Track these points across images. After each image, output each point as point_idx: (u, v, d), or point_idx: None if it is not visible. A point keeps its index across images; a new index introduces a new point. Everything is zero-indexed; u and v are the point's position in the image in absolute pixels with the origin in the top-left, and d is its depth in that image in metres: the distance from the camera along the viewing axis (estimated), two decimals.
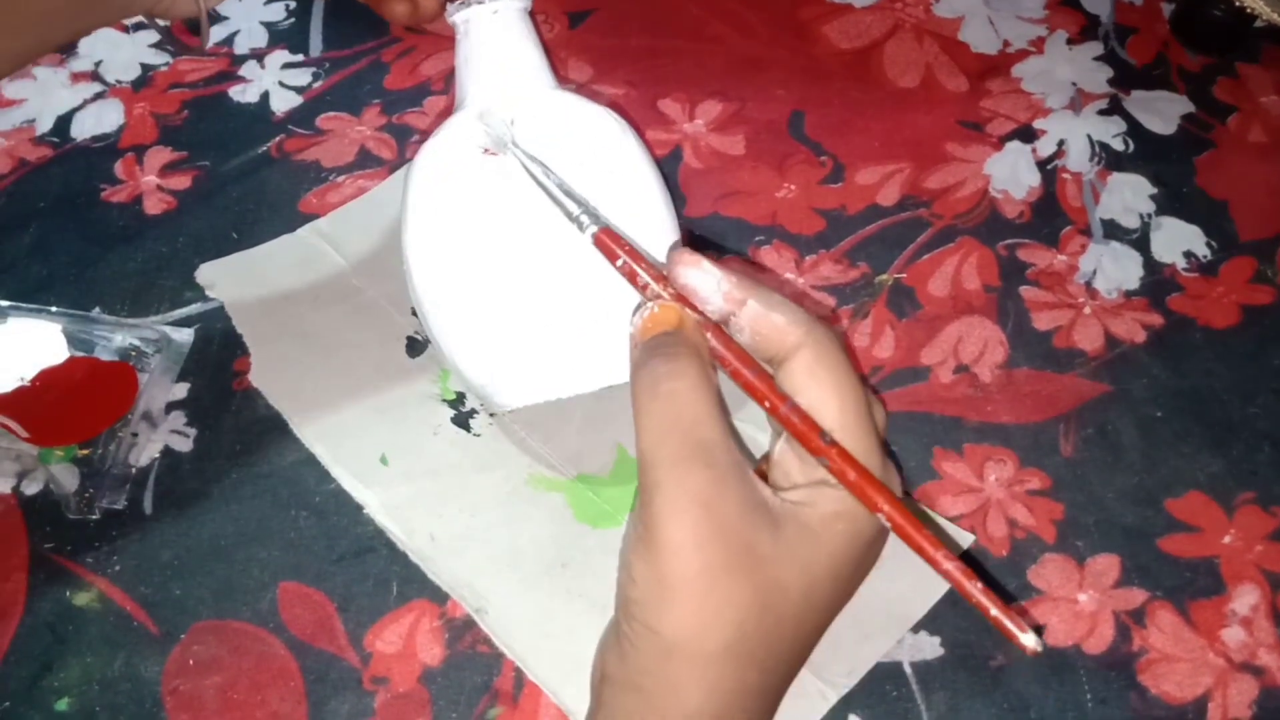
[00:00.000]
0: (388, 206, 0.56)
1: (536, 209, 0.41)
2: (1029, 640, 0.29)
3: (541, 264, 0.44)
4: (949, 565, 0.30)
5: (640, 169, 0.46)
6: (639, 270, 0.34)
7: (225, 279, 0.54)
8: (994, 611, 0.30)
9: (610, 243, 0.35)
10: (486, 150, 0.43)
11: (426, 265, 0.45)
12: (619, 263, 0.35)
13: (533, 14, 0.49)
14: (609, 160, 0.45)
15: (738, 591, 0.30)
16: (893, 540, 0.45)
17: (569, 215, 0.36)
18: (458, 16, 0.48)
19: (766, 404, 0.32)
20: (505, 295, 0.44)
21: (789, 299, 0.33)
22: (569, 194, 0.37)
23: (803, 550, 0.31)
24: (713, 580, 0.30)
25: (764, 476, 0.34)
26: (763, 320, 0.33)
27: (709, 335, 0.33)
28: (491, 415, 0.49)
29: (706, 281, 0.33)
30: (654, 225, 0.46)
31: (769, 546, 0.31)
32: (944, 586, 0.44)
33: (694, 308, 0.34)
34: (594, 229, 0.35)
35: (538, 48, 0.48)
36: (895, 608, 0.44)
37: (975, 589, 0.30)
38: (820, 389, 0.32)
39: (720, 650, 0.31)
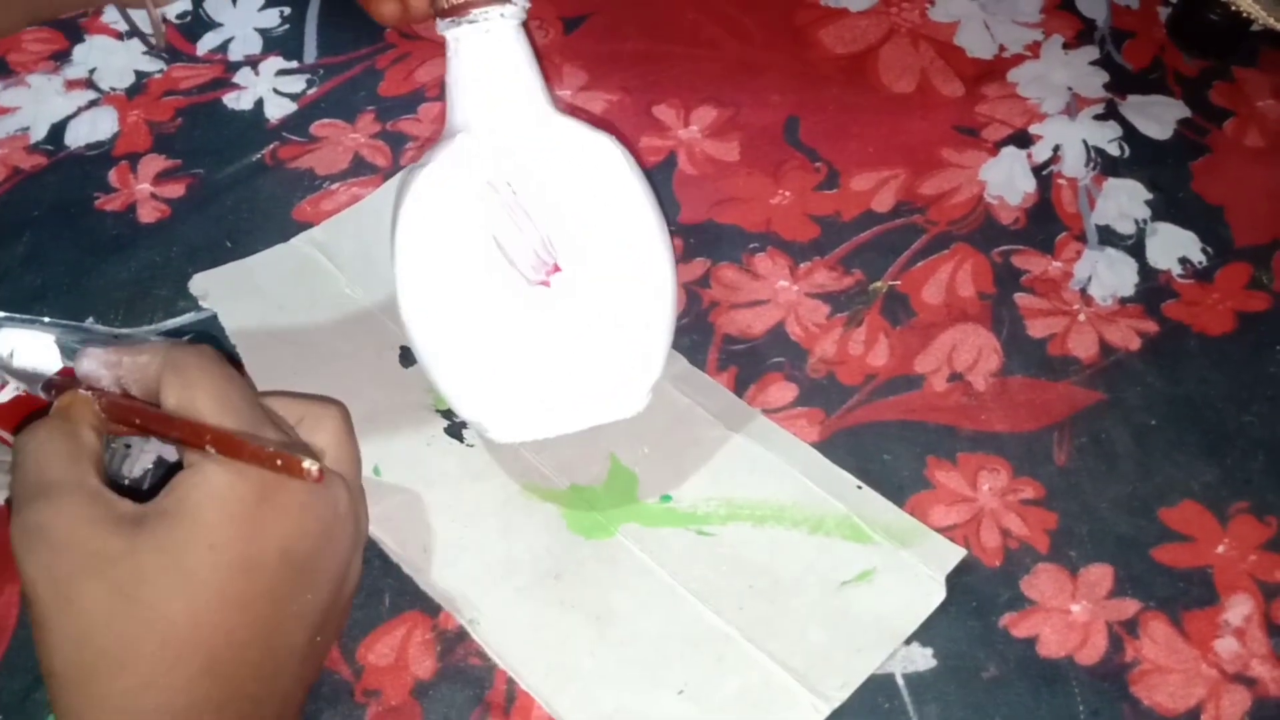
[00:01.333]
0: (381, 215, 0.56)
1: (527, 246, 0.42)
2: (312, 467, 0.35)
3: (534, 303, 0.44)
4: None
5: (637, 203, 0.44)
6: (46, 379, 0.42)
7: (219, 288, 0.54)
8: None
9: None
10: None
11: (419, 306, 0.44)
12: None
13: (527, 25, 0.47)
14: (604, 193, 0.44)
15: (90, 596, 0.34)
16: (888, 555, 0.45)
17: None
18: (449, 33, 0.45)
19: (169, 434, 0.37)
20: (498, 334, 0.44)
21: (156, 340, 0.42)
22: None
23: (178, 534, 0.35)
24: (67, 594, 0.34)
25: None
26: (133, 367, 0.39)
27: (98, 403, 0.39)
28: None
29: (90, 363, 0.40)
30: (647, 263, 0.44)
31: (126, 544, 0.35)
32: (938, 600, 0.44)
33: (93, 388, 0.40)
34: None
35: (534, 68, 0.46)
36: (887, 621, 0.44)
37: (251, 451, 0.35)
38: (196, 394, 0.38)
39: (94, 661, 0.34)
